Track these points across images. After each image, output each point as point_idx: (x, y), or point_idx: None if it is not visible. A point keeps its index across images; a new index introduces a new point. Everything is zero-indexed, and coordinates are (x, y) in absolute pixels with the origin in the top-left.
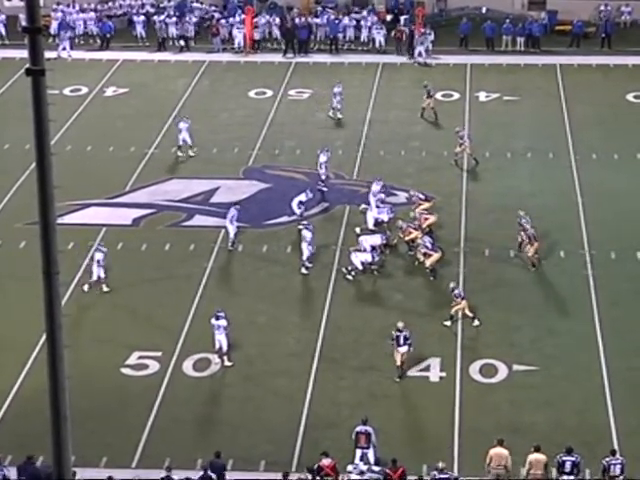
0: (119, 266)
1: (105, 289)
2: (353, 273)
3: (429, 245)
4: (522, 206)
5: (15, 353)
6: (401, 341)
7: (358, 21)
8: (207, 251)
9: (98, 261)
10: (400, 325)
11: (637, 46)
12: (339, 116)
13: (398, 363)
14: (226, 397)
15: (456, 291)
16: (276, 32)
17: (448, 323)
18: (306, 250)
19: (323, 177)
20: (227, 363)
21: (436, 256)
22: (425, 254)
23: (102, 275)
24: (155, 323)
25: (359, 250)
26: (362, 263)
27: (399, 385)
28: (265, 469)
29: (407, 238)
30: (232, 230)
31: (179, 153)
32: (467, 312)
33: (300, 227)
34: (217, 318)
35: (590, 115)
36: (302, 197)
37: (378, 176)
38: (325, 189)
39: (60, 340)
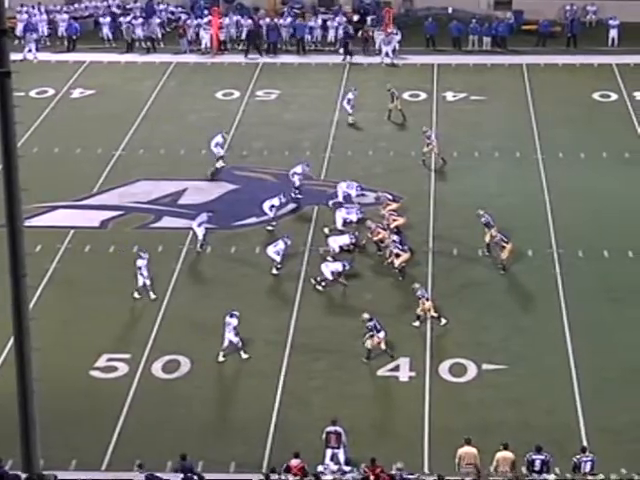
0: (87, 268)
1: (152, 296)
2: (323, 284)
3: (399, 245)
4: (490, 205)
5: None
6: (378, 326)
7: (325, 21)
8: (176, 252)
9: (140, 268)
10: (366, 316)
11: (603, 45)
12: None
13: (369, 346)
14: (196, 399)
15: (419, 292)
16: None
17: (417, 324)
18: (274, 255)
19: (297, 184)
20: (244, 356)
21: (405, 256)
22: (397, 254)
23: (147, 282)
24: (124, 325)
25: (329, 260)
26: (332, 273)
27: (369, 385)
28: (235, 470)
29: (375, 238)
30: (200, 233)
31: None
32: (432, 313)
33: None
34: (231, 316)
35: (557, 114)
36: (275, 201)
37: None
38: (300, 196)
39: (28, 343)
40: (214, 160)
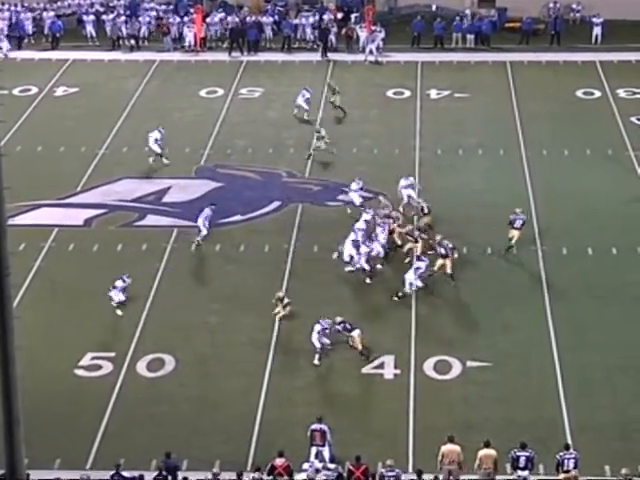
0: (71, 267)
1: (119, 313)
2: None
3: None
4: (474, 202)
5: None
6: (349, 326)
7: (321, 18)
8: (160, 251)
9: (116, 287)
10: (338, 319)
11: (586, 43)
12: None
13: (360, 347)
14: (180, 397)
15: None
16: None
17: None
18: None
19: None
20: (315, 362)
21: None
22: (415, 240)
23: (122, 299)
24: (108, 324)
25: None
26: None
27: (354, 383)
28: (220, 469)
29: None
30: (204, 228)
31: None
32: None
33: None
34: (317, 322)
35: (540, 112)
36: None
37: (358, 175)
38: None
39: (12, 342)
40: (160, 158)
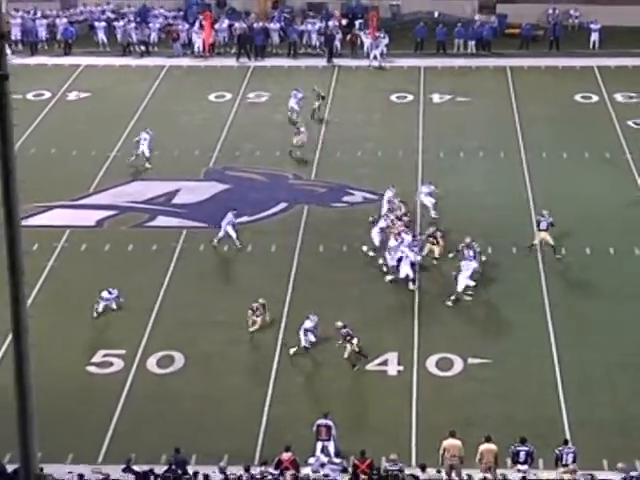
0: (83, 266)
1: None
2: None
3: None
4: (475, 204)
5: None
6: (351, 332)
7: (326, 24)
8: (169, 251)
9: (102, 297)
10: (339, 324)
11: (584, 48)
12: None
13: (346, 355)
14: (189, 394)
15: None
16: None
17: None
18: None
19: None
20: (291, 351)
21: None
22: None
23: (100, 310)
24: (119, 321)
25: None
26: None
27: (357, 379)
28: (228, 463)
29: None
30: (232, 232)
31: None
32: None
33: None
34: (307, 318)
35: (540, 115)
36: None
37: (392, 183)
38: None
39: (26, 340)
40: (137, 158)
